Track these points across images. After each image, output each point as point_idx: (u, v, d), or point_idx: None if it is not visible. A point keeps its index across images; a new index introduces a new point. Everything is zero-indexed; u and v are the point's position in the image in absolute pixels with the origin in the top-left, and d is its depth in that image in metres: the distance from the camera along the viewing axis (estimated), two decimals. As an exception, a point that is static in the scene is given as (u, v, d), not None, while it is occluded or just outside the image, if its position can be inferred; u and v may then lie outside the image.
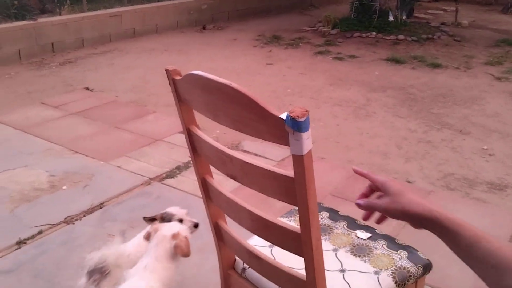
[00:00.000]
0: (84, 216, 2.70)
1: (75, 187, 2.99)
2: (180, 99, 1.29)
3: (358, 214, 1.39)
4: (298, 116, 0.95)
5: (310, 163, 1.02)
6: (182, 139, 3.72)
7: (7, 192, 2.90)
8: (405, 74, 5.93)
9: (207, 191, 1.43)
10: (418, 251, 1.58)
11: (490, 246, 0.94)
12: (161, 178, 3.16)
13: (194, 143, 1.34)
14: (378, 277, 1.44)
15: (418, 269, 1.50)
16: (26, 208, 2.75)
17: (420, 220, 1.06)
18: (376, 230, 1.66)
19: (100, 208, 2.78)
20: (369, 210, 1.19)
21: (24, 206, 2.77)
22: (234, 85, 1.06)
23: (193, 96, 1.22)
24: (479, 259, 0.96)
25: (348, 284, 1.41)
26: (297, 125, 0.96)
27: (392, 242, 1.60)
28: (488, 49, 7.06)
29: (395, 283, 1.44)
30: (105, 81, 5.21)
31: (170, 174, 3.20)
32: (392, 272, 1.46)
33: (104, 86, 5.07)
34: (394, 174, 3.39)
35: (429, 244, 2.44)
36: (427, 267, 1.53)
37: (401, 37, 7.40)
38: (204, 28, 8.10)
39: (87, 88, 4.93)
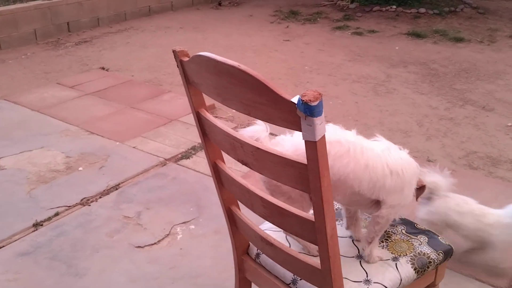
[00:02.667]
0: (100, 197, 2.70)
1: (91, 168, 2.98)
2: (188, 82, 1.24)
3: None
4: (310, 100, 0.89)
5: (323, 149, 0.96)
6: (197, 118, 3.68)
7: (24, 174, 2.91)
8: (426, 48, 5.76)
9: (219, 176, 1.38)
10: (439, 236, 1.51)
11: None
12: (176, 158, 3.13)
13: (204, 127, 1.29)
14: (396, 264, 1.39)
15: (438, 255, 1.44)
16: (43, 190, 2.75)
17: None
18: (395, 214, 1.61)
19: (116, 189, 2.77)
20: None
21: (40, 188, 2.77)
22: (243, 67, 1.00)
23: (201, 78, 1.16)
24: None
25: (366, 271, 1.36)
26: (309, 109, 0.90)
27: (412, 227, 1.54)
28: (514, 22, 6.82)
29: (415, 269, 1.38)
30: (120, 61, 5.18)
31: (186, 155, 3.17)
32: (411, 259, 1.40)
33: (120, 65, 5.04)
34: (415, 152, 3.30)
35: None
36: (448, 253, 1.47)
37: (422, 10, 7.17)
38: (219, 4, 7.97)
39: (103, 68, 4.90)
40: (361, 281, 1.33)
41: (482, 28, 6.53)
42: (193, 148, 3.26)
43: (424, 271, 1.41)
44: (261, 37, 6.13)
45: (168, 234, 2.39)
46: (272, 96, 0.97)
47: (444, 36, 6.19)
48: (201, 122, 1.29)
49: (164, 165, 3.04)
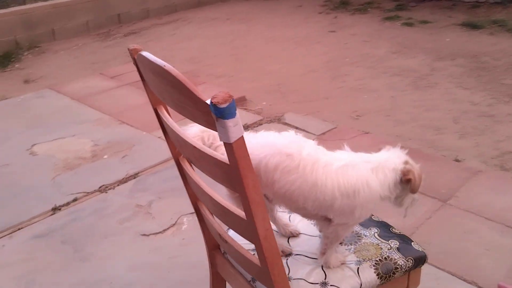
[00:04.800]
0: (118, 185, 2.80)
1: (115, 157, 3.10)
2: (143, 79, 1.26)
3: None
4: (219, 102, 0.88)
5: (242, 151, 0.94)
6: (225, 110, 3.71)
7: (53, 161, 3.08)
8: (480, 40, 5.44)
9: (183, 172, 1.40)
10: (413, 241, 1.45)
11: None
12: (198, 149, 3.18)
13: (162, 124, 1.31)
14: (358, 268, 1.34)
15: (407, 261, 1.38)
16: (67, 176, 2.90)
17: None
18: (372, 216, 1.55)
19: (134, 178, 2.87)
20: None
21: (65, 174, 2.93)
22: (168, 67, 1.01)
23: (147, 77, 1.18)
24: None
25: (325, 274, 1.34)
26: (219, 111, 0.89)
27: (386, 231, 1.49)
28: None
29: (378, 275, 1.34)
30: (164, 51, 5.31)
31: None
32: (375, 263, 1.36)
33: (163, 56, 5.11)
34: (443, 151, 3.15)
35: (458, 233, 2.28)
36: (419, 260, 1.41)
37: (482, -1, 6.77)
38: (270, -5, 7.95)
39: (145, 59, 5.05)
40: (317, 283, 1.31)
41: (546, 18, 6.08)
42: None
43: (389, 277, 1.35)
44: (305, 28, 6.06)
45: (174, 224, 2.45)
46: (192, 97, 0.97)
47: (503, 27, 5.81)
48: (159, 118, 1.31)
49: (185, 155, 3.10)
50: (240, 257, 1.26)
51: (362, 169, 1.24)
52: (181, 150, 1.21)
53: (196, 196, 1.45)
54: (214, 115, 0.90)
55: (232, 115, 0.90)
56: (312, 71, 4.66)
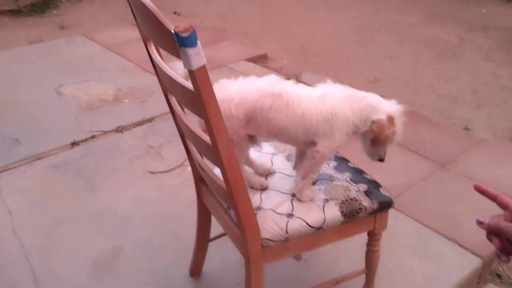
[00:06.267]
0: (134, 127, 2.97)
1: (135, 102, 3.26)
2: (135, 17, 1.37)
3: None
4: (180, 31, 0.98)
5: (204, 79, 1.05)
6: (245, 66, 3.81)
7: (77, 101, 3.27)
8: (517, 14, 5.29)
9: (171, 107, 1.52)
10: (381, 187, 1.54)
11: None
12: (213, 101, 3.30)
13: (152, 60, 1.42)
14: (324, 205, 1.45)
15: (372, 203, 1.47)
16: (88, 116, 3.09)
17: None
18: (348, 163, 1.65)
19: (150, 122, 3.02)
20: (491, 231, 0.95)
21: (87, 114, 3.11)
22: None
23: (137, 14, 1.29)
24: None
25: (293, 207, 1.45)
26: (181, 40, 0.99)
27: (358, 176, 1.58)
28: None
29: (342, 213, 1.44)
30: (194, 7, 5.39)
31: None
32: (341, 203, 1.46)
33: (193, 11, 5.26)
34: (454, 119, 3.17)
35: (450, 195, 2.34)
36: (385, 204, 1.50)
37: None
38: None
39: (175, 13, 5.16)
40: (284, 214, 1.42)
41: None
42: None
43: (353, 217, 1.46)
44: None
45: (180, 165, 2.60)
46: (161, 28, 1.06)
47: (544, 2, 5.60)
48: (150, 56, 1.42)
49: (200, 105, 3.23)
50: (214, 184, 1.38)
51: (337, 97, 1.40)
52: (164, 83, 1.33)
53: (182, 130, 1.58)
54: (177, 43, 1.01)
55: (193, 44, 1.00)
56: (338, 35, 4.67)
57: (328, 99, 1.39)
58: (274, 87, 1.38)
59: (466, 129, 3.05)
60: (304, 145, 1.47)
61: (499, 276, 1.99)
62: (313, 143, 1.43)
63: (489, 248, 2.04)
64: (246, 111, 1.36)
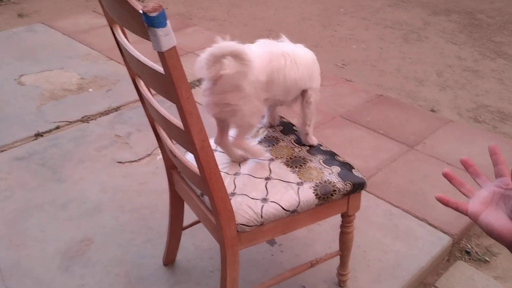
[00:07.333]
0: (100, 116, 2.89)
1: (100, 90, 3.18)
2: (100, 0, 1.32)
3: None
4: (149, 11, 0.94)
5: (175, 61, 1.01)
6: (212, 52, 3.75)
7: (39, 91, 3.16)
8: (479, -3, 5.40)
9: (140, 92, 1.48)
10: (354, 168, 1.54)
11: None
12: (181, 88, 3.25)
13: (119, 44, 1.38)
14: (299, 188, 1.44)
15: (345, 185, 1.48)
16: (52, 106, 2.99)
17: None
18: (321, 146, 1.64)
19: (116, 111, 2.95)
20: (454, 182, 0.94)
21: (50, 104, 3.01)
22: (110, -23, 1.06)
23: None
24: None
25: (267, 191, 1.44)
26: (149, 20, 0.95)
27: (332, 158, 1.58)
28: None
29: (316, 195, 1.44)
30: (159, -7, 5.28)
31: (192, 85, 3.28)
32: (315, 185, 1.45)
33: (157, -3, 5.15)
34: (421, 101, 3.22)
35: (418, 176, 2.38)
36: (358, 186, 1.51)
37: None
38: None
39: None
40: (259, 199, 1.41)
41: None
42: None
43: (327, 198, 1.46)
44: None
45: (149, 154, 2.55)
46: (129, 8, 1.03)
47: (504, -14, 5.73)
48: (116, 39, 1.38)
49: (167, 93, 3.18)
50: (187, 170, 1.35)
51: (303, 47, 1.60)
52: (132, 67, 1.29)
53: (152, 117, 1.54)
54: (146, 24, 0.97)
55: (162, 24, 0.96)
56: (305, 19, 4.66)
57: (301, 49, 1.58)
58: (277, 47, 1.51)
59: (433, 110, 3.10)
60: (297, 97, 1.62)
61: (468, 253, 2.04)
62: (305, 92, 1.60)
63: (458, 226, 2.09)
64: (266, 74, 1.44)
